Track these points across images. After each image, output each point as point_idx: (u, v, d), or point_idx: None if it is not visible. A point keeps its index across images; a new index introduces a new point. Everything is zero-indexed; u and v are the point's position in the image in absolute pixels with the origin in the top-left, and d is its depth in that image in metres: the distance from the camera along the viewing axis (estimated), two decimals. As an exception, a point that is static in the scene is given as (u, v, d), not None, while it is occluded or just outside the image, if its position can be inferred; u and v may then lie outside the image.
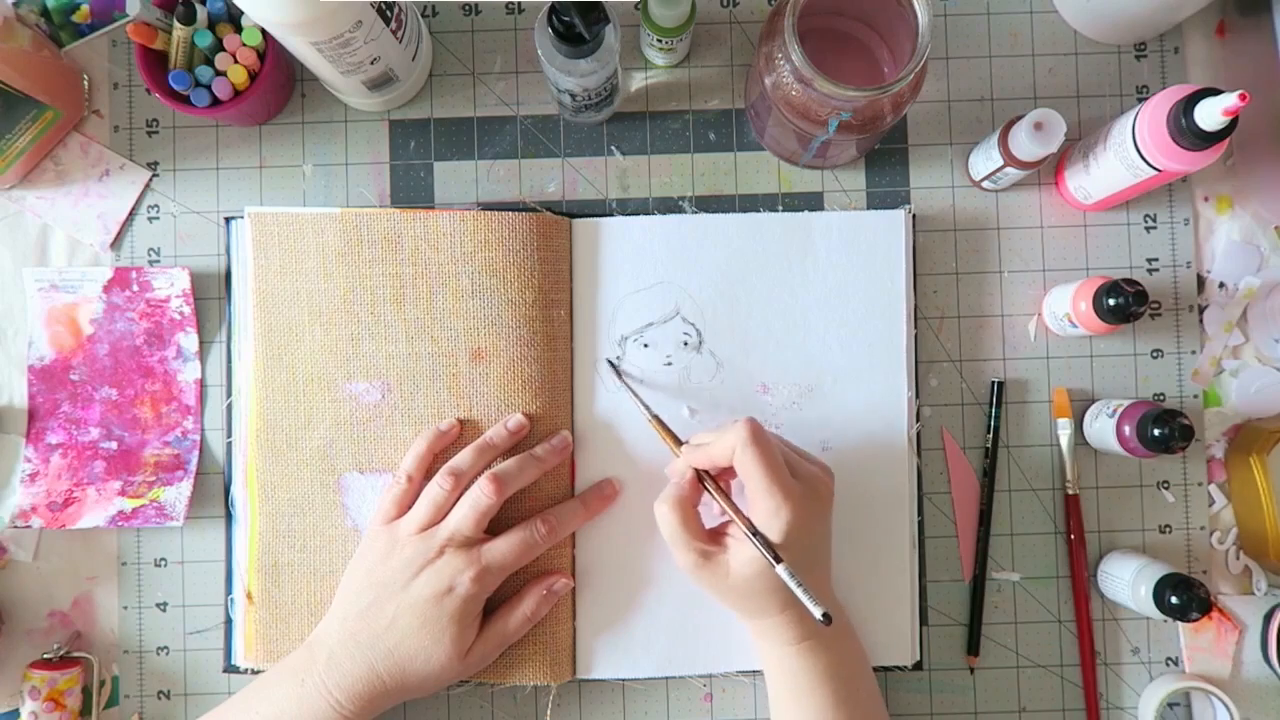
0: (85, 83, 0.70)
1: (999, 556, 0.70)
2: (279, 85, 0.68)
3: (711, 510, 0.62)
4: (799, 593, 0.55)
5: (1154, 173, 0.60)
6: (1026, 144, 0.62)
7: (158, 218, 0.70)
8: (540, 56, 0.61)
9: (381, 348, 0.67)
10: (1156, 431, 0.62)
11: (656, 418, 0.65)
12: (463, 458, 0.64)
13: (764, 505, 0.57)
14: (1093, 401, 0.69)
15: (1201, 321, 0.70)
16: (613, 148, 0.71)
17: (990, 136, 0.66)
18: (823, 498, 0.60)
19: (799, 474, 0.59)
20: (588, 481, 0.68)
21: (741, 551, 0.58)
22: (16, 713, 0.67)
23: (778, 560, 0.56)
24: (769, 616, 0.59)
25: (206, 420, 0.69)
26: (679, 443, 0.63)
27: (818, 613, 0.55)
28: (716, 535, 0.60)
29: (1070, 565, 0.69)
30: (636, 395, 0.66)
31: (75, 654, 0.68)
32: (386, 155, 0.71)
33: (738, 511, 0.58)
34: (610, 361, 0.68)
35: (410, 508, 0.63)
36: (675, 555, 0.60)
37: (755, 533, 0.57)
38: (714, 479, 0.61)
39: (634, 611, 0.68)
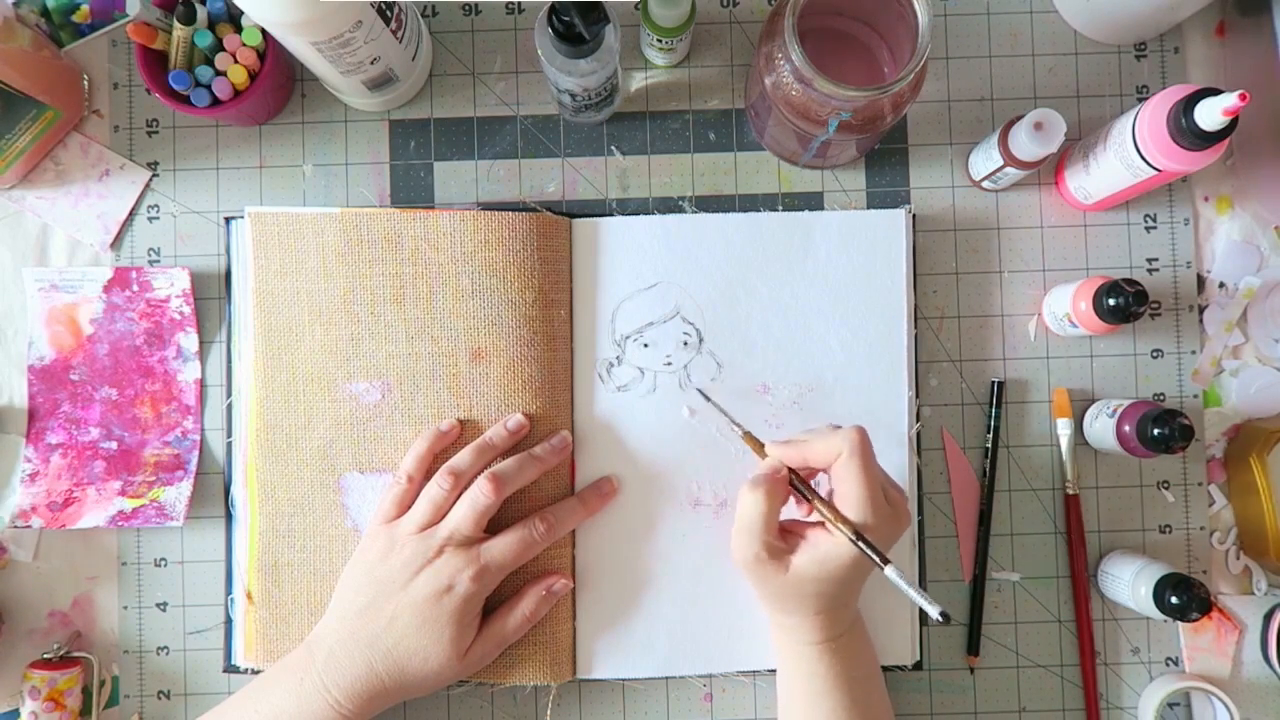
0: (85, 83, 0.70)
1: (999, 556, 0.70)
2: (279, 85, 0.68)
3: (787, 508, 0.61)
4: (914, 596, 0.55)
5: (1154, 173, 0.60)
6: (1026, 144, 0.62)
7: (158, 218, 0.70)
8: (540, 56, 0.61)
9: (381, 348, 0.67)
10: (1156, 431, 0.62)
11: (749, 434, 0.64)
12: (462, 458, 0.64)
13: (856, 518, 0.57)
14: (1093, 401, 0.69)
15: (1201, 321, 0.70)
16: (613, 148, 0.71)
17: (990, 136, 0.66)
18: (901, 525, 0.60)
19: (888, 496, 0.59)
20: (587, 481, 0.68)
21: (809, 553, 0.58)
22: (16, 713, 0.67)
23: (885, 563, 0.56)
24: (802, 617, 0.59)
25: (206, 420, 0.69)
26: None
27: (935, 612, 0.54)
28: (785, 533, 0.60)
29: (1070, 565, 0.69)
30: (726, 413, 0.66)
31: (75, 654, 0.68)
32: (386, 155, 0.71)
33: (841, 517, 0.58)
34: (700, 390, 0.68)
35: (410, 508, 0.63)
36: (739, 542, 0.59)
37: (860, 538, 0.57)
38: (805, 483, 0.61)
39: (634, 611, 0.68)
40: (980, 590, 0.69)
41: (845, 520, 0.57)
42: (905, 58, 0.58)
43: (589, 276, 0.69)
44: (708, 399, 0.67)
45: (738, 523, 0.60)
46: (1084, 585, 0.69)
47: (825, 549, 0.58)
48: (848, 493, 0.58)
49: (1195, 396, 0.70)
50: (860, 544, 0.57)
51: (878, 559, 0.56)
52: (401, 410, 0.67)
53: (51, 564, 0.69)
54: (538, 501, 0.66)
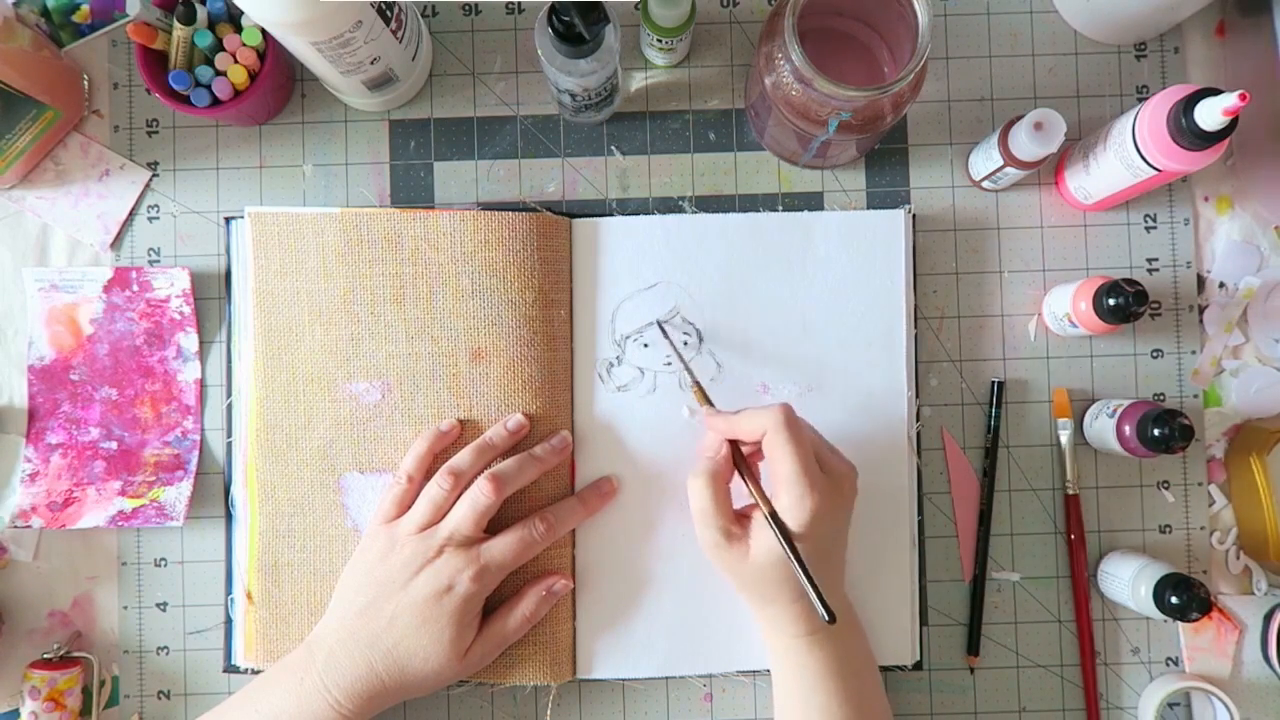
0: (85, 83, 0.70)
1: (999, 556, 0.70)
2: (279, 85, 0.68)
3: (739, 490, 0.62)
4: (807, 586, 0.56)
5: (1154, 173, 0.60)
6: (1026, 144, 0.62)
7: (158, 218, 0.71)
8: (540, 56, 0.61)
9: (381, 348, 0.67)
10: (1156, 431, 0.62)
11: (698, 384, 0.65)
12: (462, 458, 0.64)
13: (789, 493, 0.57)
14: (1093, 401, 0.69)
15: (1201, 321, 0.70)
16: (613, 148, 0.71)
17: (990, 136, 0.66)
18: (846, 494, 0.60)
19: (827, 467, 0.59)
20: (587, 481, 0.68)
21: (764, 536, 0.58)
22: (16, 713, 0.67)
23: (794, 550, 0.56)
24: (781, 605, 0.59)
25: (206, 420, 0.69)
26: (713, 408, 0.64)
27: (822, 610, 0.55)
28: (741, 517, 0.60)
29: (1070, 565, 0.69)
30: (682, 358, 0.67)
31: (75, 654, 0.68)
32: (386, 155, 0.71)
33: (762, 495, 0.59)
34: (660, 323, 0.68)
35: (410, 508, 0.63)
36: (699, 532, 0.60)
37: (775, 519, 0.57)
38: (744, 459, 0.61)
39: (634, 611, 0.68)
40: (980, 590, 0.69)
41: (764, 499, 0.58)
42: (905, 58, 0.58)
43: (589, 276, 0.69)
44: (665, 335, 0.68)
45: (692, 513, 0.60)
46: (1084, 585, 0.69)
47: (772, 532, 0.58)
48: (778, 469, 0.58)
49: (1195, 396, 0.70)
50: (771, 523, 0.57)
51: (785, 544, 0.56)
52: (401, 410, 0.67)
53: (51, 564, 0.69)
54: (538, 501, 0.66)
